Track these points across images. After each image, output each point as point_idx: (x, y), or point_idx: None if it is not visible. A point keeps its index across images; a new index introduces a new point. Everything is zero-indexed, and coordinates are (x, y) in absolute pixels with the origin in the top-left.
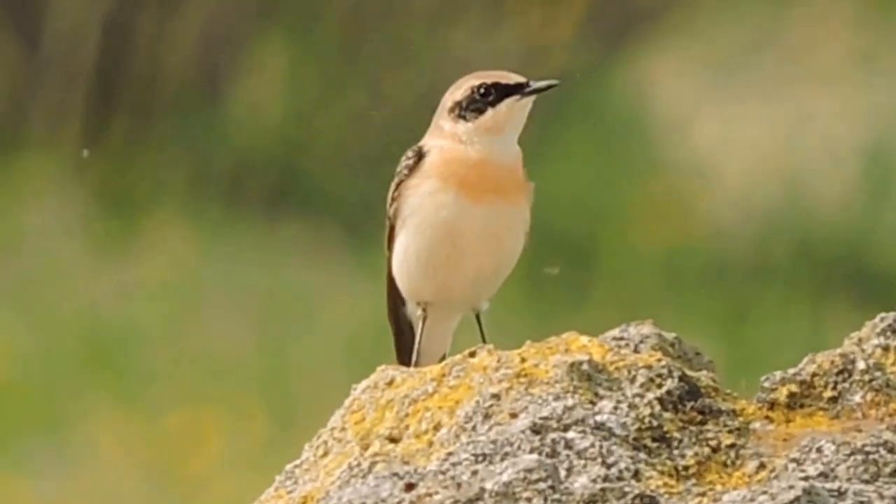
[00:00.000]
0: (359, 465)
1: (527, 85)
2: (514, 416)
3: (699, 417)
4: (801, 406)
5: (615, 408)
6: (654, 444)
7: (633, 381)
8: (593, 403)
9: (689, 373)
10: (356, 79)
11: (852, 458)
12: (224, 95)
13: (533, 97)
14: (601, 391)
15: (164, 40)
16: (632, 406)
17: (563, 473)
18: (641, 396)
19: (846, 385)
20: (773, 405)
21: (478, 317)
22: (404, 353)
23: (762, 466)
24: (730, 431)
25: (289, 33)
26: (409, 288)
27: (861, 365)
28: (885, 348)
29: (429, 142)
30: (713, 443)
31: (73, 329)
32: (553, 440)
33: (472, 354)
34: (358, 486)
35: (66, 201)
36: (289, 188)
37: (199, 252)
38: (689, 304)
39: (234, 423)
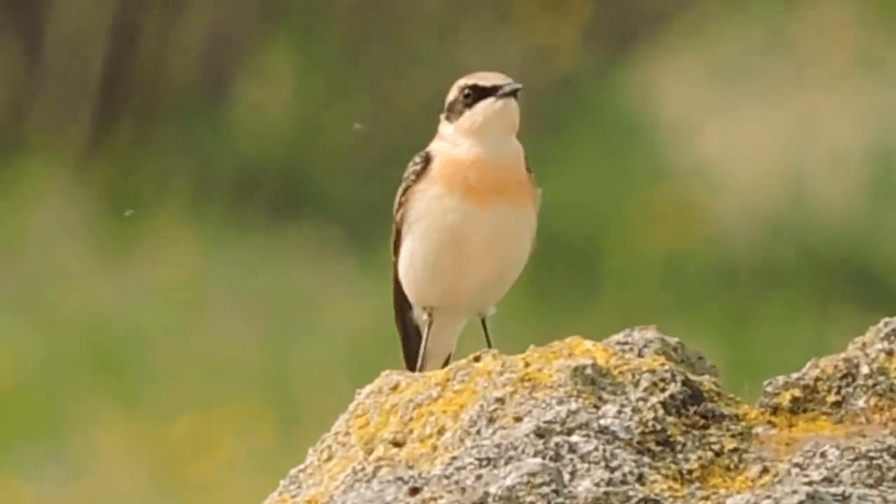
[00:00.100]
0: (363, 469)
1: (502, 87)
2: (518, 420)
3: (702, 422)
4: (805, 410)
5: (619, 412)
6: (658, 448)
7: (636, 385)
8: (597, 407)
9: (693, 377)
10: (361, 84)
11: (856, 462)
12: (229, 100)
13: (509, 99)
14: (605, 395)
15: (168, 44)
16: (635, 410)
17: (566, 477)
18: (645, 400)
19: (850, 390)
20: (776, 410)
21: (483, 322)
22: (411, 358)
23: (765, 471)
24: (733, 436)
25: (294, 38)
26: (415, 292)
27: (865, 369)
28: (889, 353)
29: (434, 146)
30: (716, 447)
31: (76, 333)
32: (557, 444)
33: (477, 359)
34: (362, 490)
35: (70, 204)
36: (293, 193)
37: (204, 256)
38: (692, 308)
39: (239, 428)
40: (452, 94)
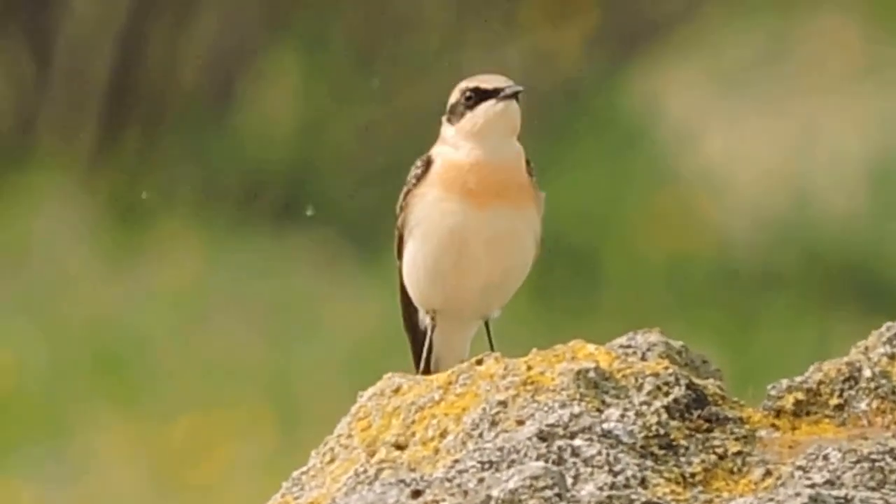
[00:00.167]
0: (365, 471)
1: (503, 90)
2: (520, 423)
3: (706, 425)
4: (808, 414)
5: (622, 415)
6: (661, 452)
7: (640, 388)
8: (600, 411)
9: (696, 381)
10: (367, 91)
11: (858, 465)
12: (234, 107)
13: (510, 101)
14: (608, 399)
15: (174, 52)
16: (639, 414)
17: (569, 481)
18: (648, 404)
19: (852, 393)
20: (779, 413)
21: (486, 325)
22: (420, 362)
23: (768, 474)
24: (736, 439)
25: (299, 46)
26: (418, 296)
27: (867, 373)
28: (892, 357)
29: (436, 150)
30: (720, 450)
31: (81, 337)
32: (560, 447)
33: (479, 362)
34: (364, 492)
35: (76, 212)
36: (299, 199)
37: (208, 262)
38: (696, 312)
39: (242, 431)
40: (454, 96)
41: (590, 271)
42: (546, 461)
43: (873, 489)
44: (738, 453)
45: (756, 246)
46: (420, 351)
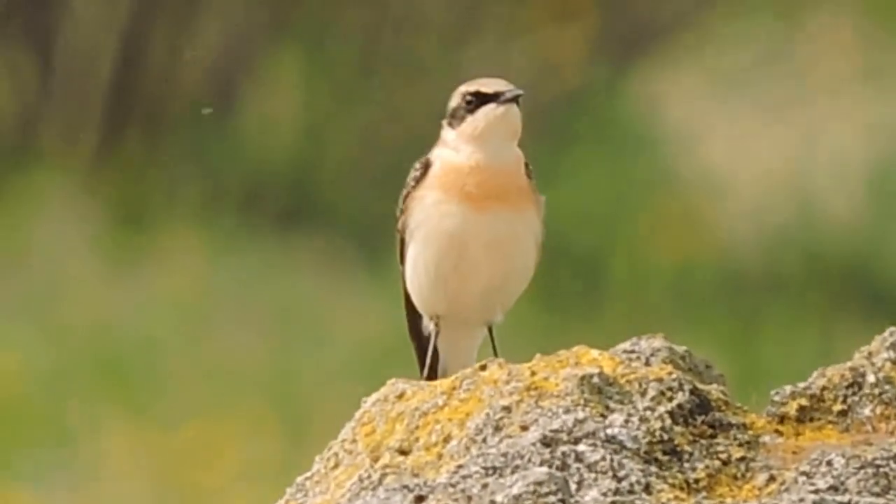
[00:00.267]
0: (369, 477)
1: (504, 94)
2: (524, 428)
3: (710, 431)
4: (811, 419)
5: (626, 421)
6: (665, 458)
7: (643, 394)
8: (604, 416)
9: (700, 386)
10: (369, 94)
11: (862, 471)
12: (237, 110)
13: (511, 105)
14: (612, 404)
15: (177, 55)
16: (643, 419)
17: (573, 487)
18: (652, 410)
19: (856, 398)
20: (783, 418)
21: (490, 330)
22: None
23: (772, 479)
24: (740, 445)
25: (302, 49)
26: (420, 300)
27: (871, 378)
28: (895, 362)
29: (435, 153)
30: (724, 456)
31: (85, 342)
32: (564, 453)
33: (483, 368)
34: (368, 498)
35: (79, 215)
36: (301, 203)
37: (212, 266)
38: (699, 318)
39: (246, 436)
40: (454, 100)
41: (592, 276)
42: (550, 467)
43: (877, 495)
44: (742, 459)
45: (758, 250)
46: (425, 357)
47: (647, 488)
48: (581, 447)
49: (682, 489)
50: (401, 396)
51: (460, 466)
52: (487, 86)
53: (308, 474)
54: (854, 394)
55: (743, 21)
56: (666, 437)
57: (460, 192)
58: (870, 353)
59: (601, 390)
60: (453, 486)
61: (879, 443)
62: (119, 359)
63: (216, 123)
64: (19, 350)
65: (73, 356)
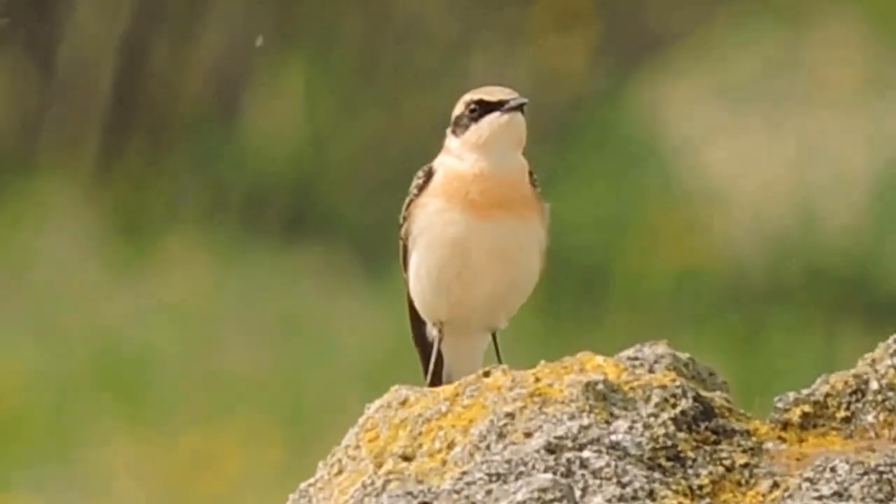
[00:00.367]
0: (372, 483)
1: (508, 102)
2: (528, 435)
3: (713, 437)
4: (815, 426)
5: (630, 427)
6: (669, 464)
7: (647, 400)
8: (608, 423)
9: (704, 393)
10: (373, 103)
11: (866, 477)
12: (240, 119)
13: (515, 113)
14: (616, 411)
15: (179, 64)
16: (647, 426)
17: (578, 493)
18: (656, 416)
19: (859, 405)
20: (786, 425)
21: (494, 337)
22: (433, 375)
23: (776, 486)
24: (744, 451)
25: (305, 57)
26: (423, 307)
27: (874, 385)
28: None
29: (438, 160)
30: (727, 462)
31: (87, 351)
32: (568, 459)
33: (487, 374)
34: None
35: (81, 224)
36: (304, 211)
37: (215, 275)
38: (702, 325)
39: (249, 446)
40: (458, 108)
41: (596, 283)
42: (554, 473)
43: (881, 501)
44: (746, 465)
45: (761, 258)
46: (429, 363)
47: (651, 494)
48: (585, 453)
49: (685, 495)
50: (404, 403)
51: (464, 473)
52: (492, 94)
53: (311, 480)
54: (857, 400)
55: (746, 30)
56: (670, 443)
57: (463, 199)
58: (873, 361)
59: (605, 397)
60: (457, 492)
61: (883, 449)
62: (121, 367)
63: (219, 132)
64: (20, 359)
65: (74, 365)
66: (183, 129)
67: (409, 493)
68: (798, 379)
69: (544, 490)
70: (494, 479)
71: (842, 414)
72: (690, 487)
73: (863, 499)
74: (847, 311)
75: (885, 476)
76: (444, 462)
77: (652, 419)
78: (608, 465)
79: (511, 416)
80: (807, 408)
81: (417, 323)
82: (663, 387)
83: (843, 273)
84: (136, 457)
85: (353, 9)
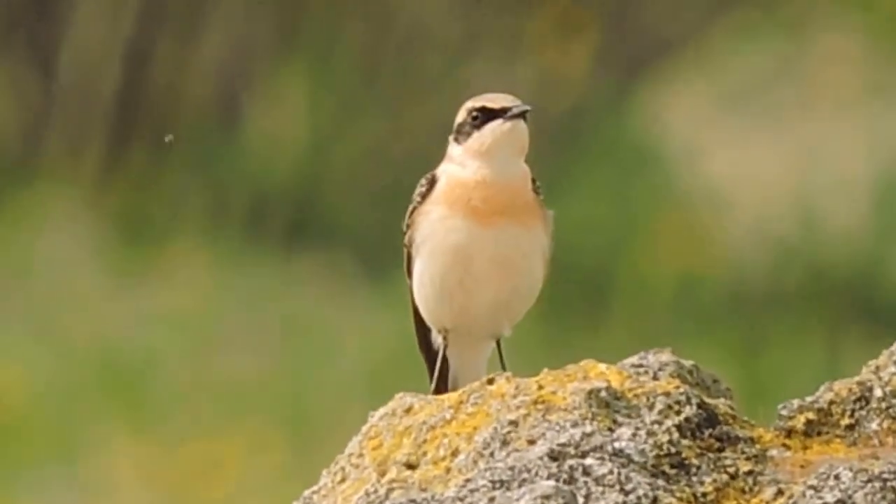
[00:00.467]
0: (376, 491)
1: (511, 109)
2: (531, 442)
3: (717, 444)
4: (819, 433)
5: (634, 434)
6: (673, 471)
7: (651, 408)
8: (612, 430)
9: (708, 400)
10: (374, 110)
11: (870, 484)
12: (242, 125)
13: (518, 121)
14: (619, 418)
15: (182, 70)
16: (650, 433)
17: (581, 500)
18: (660, 423)
19: (863, 413)
20: (790, 432)
21: (498, 344)
22: (438, 382)
23: (780, 493)
24: (747, 458)
25: (307, 64)
26: (428, 314)
27: (878, 392)
28: None
29: (441, 168)
30: (731, 469)
31: (89, 357)
32: (571, 467)
33: (490, 381)
34: None
35: (83, 229)
36: (306, 218)
37: (217, 281)
38: (706, 332)
39: (251, 451)
40: (461, 115)
41: (598, 290)
42: (557, 480)
43: None
44: (750, 472)
45: (763, 264)
46: (434, 369)
47: (655, 502)
48: (589, 461)
49: (689, 503)
50: (408, 410)
51: (468, 480)
52: (494, 101)
53: (315, 488)
54: (861, 408)
55: (747, 37)
56: (673, 450)
57: (465, 206)
58: (877, 368)
59: (609, 404)
60: (461, 500)
61: (887, 457)
62: (123, 374)
63: (221, 138)
64: (23, 365)
65: (76, 371)
66: (185, 134)
67: (413, 501)
68: (801, 386)
69: (547, 497)
70: (498, 486)
71: (846, 421)
72: (694, 495)
73: None
74: (850, 318)
75: (888, 483)
76: (447, 469)
77: (656, 426)
78: (611, 472)
79: (515, 423)
80: (811, 415)
81: (423, 330)
82: (667, 394)
83: (845, 278)
84: (138, 461)
85: (356, 15)
